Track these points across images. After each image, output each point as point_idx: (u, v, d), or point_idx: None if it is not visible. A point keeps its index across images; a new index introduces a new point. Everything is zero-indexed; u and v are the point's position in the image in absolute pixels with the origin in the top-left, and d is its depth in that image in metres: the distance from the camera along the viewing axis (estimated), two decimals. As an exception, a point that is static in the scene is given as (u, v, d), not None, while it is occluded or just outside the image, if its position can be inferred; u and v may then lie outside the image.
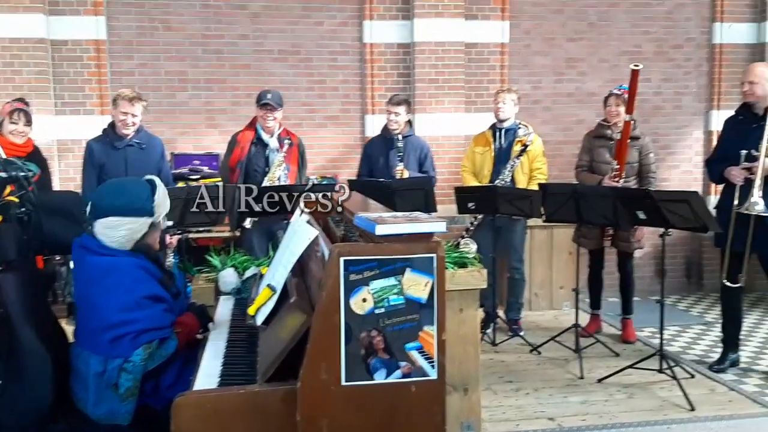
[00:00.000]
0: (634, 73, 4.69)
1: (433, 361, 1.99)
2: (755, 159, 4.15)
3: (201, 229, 5.25)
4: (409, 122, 5.25)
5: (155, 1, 6.03)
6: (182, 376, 2.50)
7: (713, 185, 6.49)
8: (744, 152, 4.20)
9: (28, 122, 4.48)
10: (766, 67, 4.36)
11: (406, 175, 4.99)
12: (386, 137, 5.17)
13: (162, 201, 2.53)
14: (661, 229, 4.12)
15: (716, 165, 4.47)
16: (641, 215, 4.12)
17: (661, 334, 4.28)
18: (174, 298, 2.58)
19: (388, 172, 5.07)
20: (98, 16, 5.88)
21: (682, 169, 6.93)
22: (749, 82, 4.29)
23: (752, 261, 4.44)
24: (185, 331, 2.51)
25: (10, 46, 5.65)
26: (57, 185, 5.50)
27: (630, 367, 4.31)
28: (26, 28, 5.67)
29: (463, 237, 5.04)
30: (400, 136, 5.07)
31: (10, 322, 2.42)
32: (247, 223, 4.70)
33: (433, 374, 2.00)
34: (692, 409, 3.86)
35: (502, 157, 5.12)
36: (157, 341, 2.37)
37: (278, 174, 4.75)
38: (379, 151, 5.18)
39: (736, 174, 4.22)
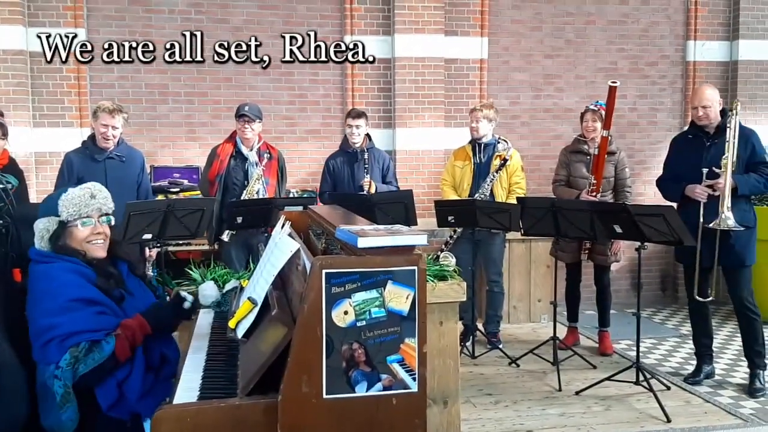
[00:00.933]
0: (612, 90, 4.79)
1: (414, 374, 2.00)
2: (716, 176, 4.24)
3: (180, 242, 5.23)
4: (368, 135, 5.30)
5: (136, 14, 6.02)
6: (155, 387, 2.48)
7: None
8: (705, 170, 4.29)
9: (4, 134, 4.37)
10: (713, 89, 4.44)
11: (373, 187, 5.03)
12: (348, 151, 5.22)
13: (70, 200, 2.54)
14: (637, 243, 4.19)
15: (670, 183, 4.54)
16: (618, 229, 4.18)
17: (638, 346, 4.34)
18: (119, 301, 2.55)
19: (353, 185, 5.11)
20: (78, 28, 5.86)
21: (657, 184, 7.04)
22: (703, 107, 4.36)
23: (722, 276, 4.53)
24: (127, 334, 2.41)
25: (-12, 57, 5.61)
26: (34, 197, 5.44)
27: (607, 379, 4.36)
28: (5, 39, 5.63)
29: (442, 250, 5.07)
30: (364, 149, 5.12)
31: (-15, 335, 2.39)
32: (225, 236, 4.70)
33: (414, 387, 2.01)
34: (668, 421, 3.91)
35: (481, 172, 5.18)
36: (86, 344, 2.33)
37: (257, 188, 4.76)
38: (342, 164, 5.22)
39: (700, 192, 4.30)
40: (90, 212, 2.57)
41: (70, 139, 5.86)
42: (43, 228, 2.52)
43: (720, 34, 6.96)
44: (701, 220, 4.28)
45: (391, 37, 6.30)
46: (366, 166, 5.10)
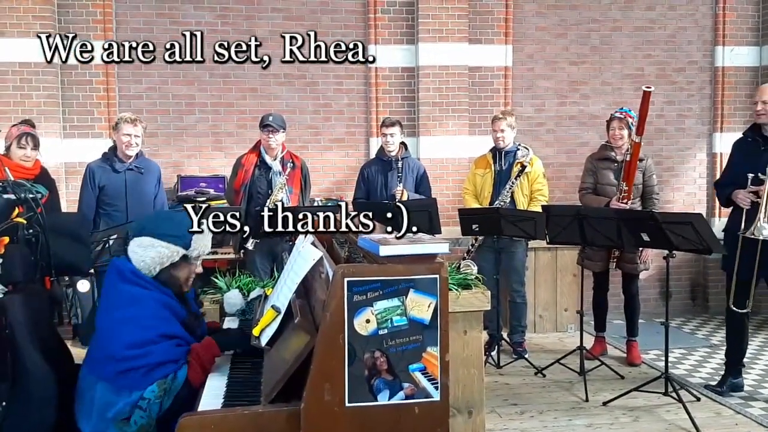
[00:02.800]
0: (646, 95, 4.68)
1: (436, 383, 2.00)
2: (762, 182, 4.11)
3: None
4: (404, 144, 5.31)
5: (164, 26, 6.12)
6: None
7: (718, 207, 6.51)
8: (751, 175, 4.16)
9: (36, 146, 4.53)
10: None
11: (405, 195, 5.04)
12: (383, 159, 5.26)
13: (202, 238, 2.48)
14: (666, 251, 4.12)
15: (724, 188, 4.42)
16: (645, 237, 4.12)
17: (666, 356, 4.26)
18: (198, 339, 2.51)
19: (386, 193, 5.13)
20: (107, 40, 5.96)
21: (685, 191, 6.95)
22: (763, 102, 4.22)
23: (760, 284, 4.42)
24: (194, 357, 2.38)
25: (21, 70, 5.74)
26: (64, 207, 5.55)
27: (635, 390, 4.29)
28: (37, 52, 5.75)
29: (464, 259, 5.05)
30: (399, 158, 5.14)
31: (15, 343, 2.43)
32: (250, 244, 4.74)
33: (436, 396, 2.00)
34: (698, 433, 3.83)
35: (502, 179, 5.16)
36: (173, 375, 2.29)
37: (280, 196, 4.79)
38: (377, 173, 5.24)
39: (743, 197, 4.19)
40: (206, 252, 2.55)
41: (99, 149, 5.93)
42: (169, 254, 2.42)
43: (749, 40, 6.85)
44: (742, 227, 4.16)
45: (415, 45, 6.32)
46: (399, 174, 5.12)
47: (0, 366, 2.37)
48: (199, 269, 2.58)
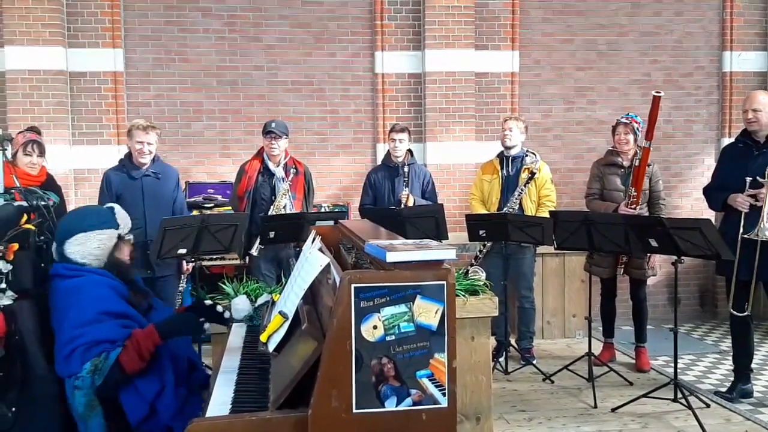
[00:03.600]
0: (656, 100, 4.69)
1: (444, 389, 1.99)
2: (761, 186, 4.15)
3: (214, 256, 5.30)
4: (410, 151, 5.33)
5: (172, 33, 6.16)
6: (189, 401, 2.50)
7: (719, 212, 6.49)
8: (749, 179, 4.19)
9: (42, 153, 4.51)
10: (767, 95, 4.36)
11: (411, 201, 5.05)
12: (390, 165, 5.26)
13: (123, 216, 2.65)
14: (674, 257, 4.11)
15: (716, 192, 4.46)
16: (653, 243, 4.11)
17: (675, 362, 4.25)
18: (146, 313, 2.59)
19: (393, 199, 5.14)
20: (116, 48, 6.02)
21: (693, 197, 6.91)
22: (753, 110, 4.30)
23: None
24: (133, 343, 2.38)
25: (30, 77, 5.78)
26: (73, 214, 5.56)
27: (644, 396, 4.27)
28: (46, 60, 5.80)
29: (472, 265, 5.05)
30: (405, 164, 5.15)
31: (25, 350, 2.45)
32: (254, 250, 4.75)
33: (443, 402, 2.00)
34: (708, 440, 3.81)
35: (509, 185, 5.16)
36: (106, 354, 2.33)
37: (284, 202, 4.81)
38: (383, 179, 5.25)
39: (742, 201, 4.21)
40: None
41: (108, 156, 6.00)
42: (107, 239, 2.58)
43: (756, 44, 6.84)
44: (741, 230, 4.18)
45: (422, 52, 6.33)
46: (405, 179, 5.13)
47: (10, 372, 2.39)
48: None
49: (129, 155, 4.67)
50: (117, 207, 2.69)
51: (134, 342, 2.38)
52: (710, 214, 6.67)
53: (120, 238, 2.61)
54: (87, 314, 2.38)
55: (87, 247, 2.55)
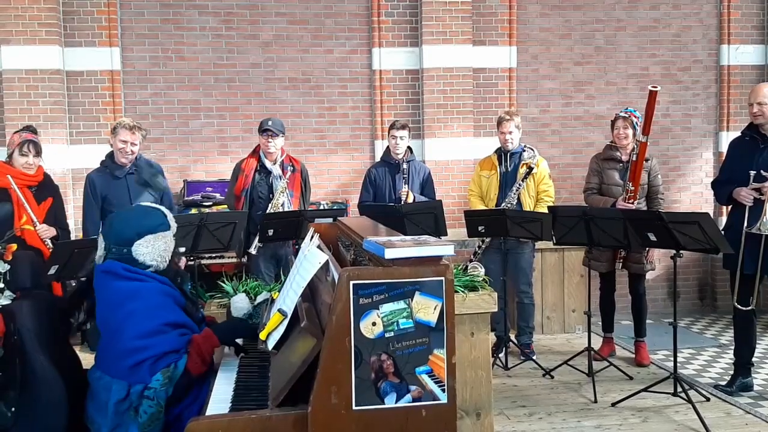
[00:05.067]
0: (652, 95, 4.67)
1: (443, 385, 1.99)
2: (765, 179, 4.15)
3: (213, 255, 5.30)
4: (409, 147, 5.33)
5: (168, 32, 6.15)
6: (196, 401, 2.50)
7: (726, 208, 6.49)
8: (753, 173, 4.19)
9: (38, 153, 4.44)
10: None
11: (411, 197, 5.05)
12: (390, 162, 5.26)
13: (172, 218, 2.60)
14: (673, 251, 4.11)
15: (722, 186, 4.46)
16: (652, 237, 4.11)
17: (675, 356, 4.25)
18: (198, 324, 2.57)
19: (393, 195, 5.14)
20: (113, 47, 6.01)
21: (692, 191, 6.93)
22: (758, 103, 4.29)
23: (766, 282, 4.41)
24: (194, 347, 2.42)
25: (27, 77, 5.77)
26: (71, 213, 5.57)
27: (644, 390, 4.27)
28: (42, 59, 5.79)
29: (471, 261, 5.05)
30: (404, 160, 5.15)
31: (24, 349, 2.45)
32: (253, 249, 4.75)
33: (443, 398, 2.00)
34: (708, 433, 3.81)
35: (508, 181, 5.15)
36: (174, 365, 2.33)
37: (282, 200, 4.81)
38: (384, 175, 5.25)
39: (746, 195, 4.21)
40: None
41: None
42: (170, 242, 2.51)
43: (754, 38, 6.83)
44: (745, 224, 4.18)
45: (419, 48, 6.32)
46: (405, 176, 5.13)
47: (9, 372, 2.39)
48: None
49: (110, 155, 4.62)
50: (163, 207, 2.61)
51: (196, 347, 2.40)
52: (709, 208, 6.71)
53: (173, 239, 2.55)
54: (153, 324, 2.35)
55: (157, 248, 2.48)
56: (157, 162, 5.00)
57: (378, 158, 6.25)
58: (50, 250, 4.20)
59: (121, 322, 2.37)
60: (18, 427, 2.41)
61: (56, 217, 4.50)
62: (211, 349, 2.46)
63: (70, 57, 5.95)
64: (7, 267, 2.73)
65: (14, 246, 2.95)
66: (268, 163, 4.88)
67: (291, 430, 1.95)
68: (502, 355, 5.07)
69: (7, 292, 2.64)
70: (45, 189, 4.47)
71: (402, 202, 5.02)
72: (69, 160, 5.95)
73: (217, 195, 5.89)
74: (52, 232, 4.36)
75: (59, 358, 2.52)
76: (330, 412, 1.94)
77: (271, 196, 4.83)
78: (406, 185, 5.13)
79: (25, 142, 4.39)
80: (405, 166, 5.18)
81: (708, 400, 4.29)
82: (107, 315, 2.45)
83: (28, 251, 3.99)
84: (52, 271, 3.65)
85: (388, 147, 5.35)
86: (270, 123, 4.83)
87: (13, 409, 2.39)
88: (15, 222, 4.26)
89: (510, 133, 5.12)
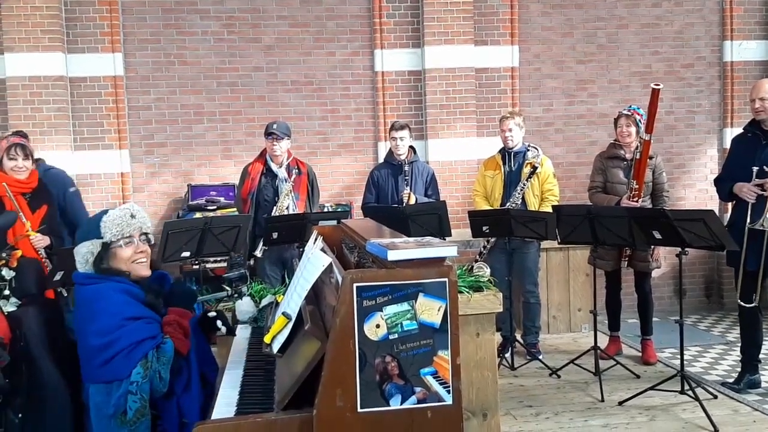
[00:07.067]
0: (655, 93, 4.67)
1: (448, 386, 1.99)
2: (767, 175, 4.14)
3: (218, 258, 5.30)
4: (413, 148, 5.31)
5: (170, 37, 6.16)
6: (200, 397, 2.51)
7: (730, 205, 6.48)
8: (756, 168, 4.18)
9: (27, 156, 4.24)
10: None
11: (413, 199, 5.04)
12: (393, 163, 5.25)
13: (112, 222, 2.54)
14: (678, 249, 4.10)
15: (725, 183, 4.45)
16: (657, 235, 4.10)
17: (682, 354, 4.23)
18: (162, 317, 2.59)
19: (396, 197, 5.13)
20: (115, 53, 6.03)
21: (697, 188, 6.90)
22: (760, 99, 4.28)
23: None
24: (173, 327, 2.48)
25: (30, 84, 5.79)
26: (76, 219, 5.57)
27: (651, 389, 4.26)
28: (46, 66, 5.81)
29: (476, 261, 5.03)
30: (406, 161, 5.14)
31: (30, 355, 2.46)
32: (258, 251, 4.76)
33: (448, 399, 1.99)
34: (716, 431, 3.79)
35: (512, 180, 5.14)
36: (153, 353, 2.36)
37: (287, 203, 4.82)
38: (387, 176, 5.24)
39: (748, 191, 4.20)
40: (132, 232, 2.56)
41: (109, 160, 6.02)
42: (86, 252, 2.51)
43: (757, 33, 6.81)
44: (748, 221, 4.18)
45: (421, 49, 6.32)
46: (406, 178, 5.12)
47: (16, 379, 2.40)
48: (143, 246, 2.60)
49: None
50: (109, 212, 2.57)
51: (174, 326, 2.47)
52: (714, 205, 6.68)
53: (106, 246, 2.52)
54: (112, 320, 2.37)
55: (78, 258, 2.53)
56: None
57: (381, 160, 6.25)
58: (43, 260, 4.12)
59: (85, 326, 2.42)
60: (25, 432, 2.43)
61: (50, 225, 4.31)
62: (186, 322, 2.52)
63: (73, 63, 5.97)
64: (13, 274, 2.75)
65: (19, 252, 2.96)
66: (274, 167, 4.89)
67: (297, 433, 1.95)
68: (508, 355, 5.06)
69: (13, 299, 2.65)
70: (40, 196, 4.28)
71: (404, 204, 5.01)
72: (73, 166, 5.96)
73: (221, 199, 5.90)
74: (46, 241, 4.17)
75: (64, 364, 2.53)
76: (335, 415, 1.94)
77: (276, 199, 4.84)
78: (408, 187, 5.12)
79: (11, 145, 4.22)
80: (407, 167, 5.17)
81: (715, 397, 4.27)
82: (76, 322, 2.49)
83: (32, 258, 4.00)
84: (57, 277, 3.66)
85: (390, 149, 5.34)
86: (275, 126, 4.85)
87: (20, 415, 2.40)
88: (10, 233, 4.03)
89: (510, 130, 5.11)
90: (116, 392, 2.32)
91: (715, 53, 6.86)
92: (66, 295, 3.19)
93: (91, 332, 2.37)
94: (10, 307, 2.61)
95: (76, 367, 2.58)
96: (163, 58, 6.17)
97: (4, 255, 2.95)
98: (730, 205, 6.49)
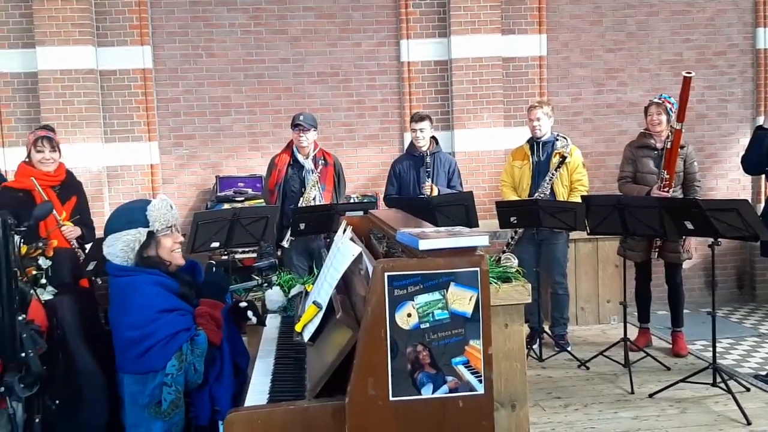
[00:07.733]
0: (686, 81, 4.59)
1: (480, 376, 1.99)
2: None
3: (247, 249, 5.35)
4: (435, 139, 5.28)
5: (198, 29, 6.21)
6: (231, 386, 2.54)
7: (764, 192, 6.38)
8: None
9: (54, 148, 4.27)
10: None
11: (435, 191, 5.01)
12: (414, 155, 5.23)
13: (158, 211, 2.56)
14: (710, 239, 4.03)
15: (751, 155, 4.44)
16: (689, 225, 4.04)
17: (714, 346, 4.18)
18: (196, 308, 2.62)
19: (419, 189, 5.10)
20: (144, 45, 6.09)
21: (729, 178, 6.78)
22: None
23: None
24: (206, 318, 2.51)
25: (62, 77, 5.87)
26: (107, 210, 5.66)
27: (682, 381, 4.21)
28: (77, 59, 5.89)
29: (504, 252, 5.00)
30: (428, 153, 5.12)
31: (66, 344, 2.50)
32: (285, 242, 4.78)
33: (480, 389, 1.99)
34: (749, 424, 3.74)
35: (540, 170, 5.09)
36: (188, 345, 2.40)
37: (313, 194, 4.83)
38: (408, 168, 5.22)
39: None
40: (173, 221, 2.62)
41: (139, 153, 6.09)
42: (132, 239, 2.51)
43: (792, 19, 6.65)
44: None
45: (448, 38, 6.28)
46: (428, 170, 5.10)
47: (52, 366, 2.44)
48: (180, 237, 2.64)
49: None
50: (153, 202, 2.60)
51: (206, 318, 2.50)
52: (747, 195, 6.56)
53: (151, 235, 2.55)
54: (147, 313, 2.40)
55: (114, 249, 2.52)
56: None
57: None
58: (76, 249, 4.20)
59: (119, 317, 2.45)
60: (61, 419, 2.47)
61: (81, 215, 4.39)
62: (218, 313, 2.55)
63: (103, 56, 6.04)
64: (49, 263, 2.80)
65: (55, 242, 3.02)
66: (300, 158, 4.91)
67: (329, 420, 1.97)
68: (536, 346, 5.04)
69: (50, 288, 2.70)
70: (69, 188, 4.35)
71: (427, 195, 4.99)
72: (104, 158, 6.05)
73: (249, 190, 5.94)
74: (77, 231, 4.23)
75: (100, 353, 2.57)
76: (367, 403, 1.95)
77: (303, 190, 4.86)
78: (429, 179, 5.09)
79: (39, 138, 4.26)
80: (429, 159, 5.13)
81: (748, 390, 4.21)
82: (111, 313, 2.53)
83: (66, 248, 4.07)
84: (90, 267, 3.72)
85: (411, 140, 5.31)
86: (301, 117, 4.86)
87: (57, 402, 2.45)
88: (42, 225, 4.03)
89: (538, 119, 5.06)
90: (151, 383, 2.36)
91: (747, 40, 6.71)
92: (100, 283, 3.25)
93: (125, 324, 2.41)
94: (46, 295, 2.66)
95: (111, 356, 2.63)
96: (191, 50, 6.22)
97: (40, 245, 3.01)
98: (763, 195, 6.41)
